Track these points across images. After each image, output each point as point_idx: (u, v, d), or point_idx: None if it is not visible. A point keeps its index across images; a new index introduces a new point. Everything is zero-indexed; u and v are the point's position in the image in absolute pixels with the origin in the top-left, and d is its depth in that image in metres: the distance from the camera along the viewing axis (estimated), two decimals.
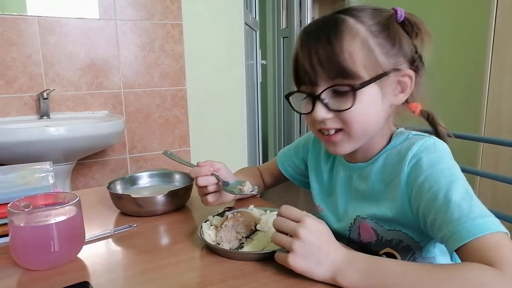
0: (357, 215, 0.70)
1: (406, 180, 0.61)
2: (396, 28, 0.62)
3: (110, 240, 0.70)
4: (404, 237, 0.65)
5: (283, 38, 3.75)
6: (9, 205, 0.58)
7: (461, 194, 0.55)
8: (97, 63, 1.81)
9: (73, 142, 1.44)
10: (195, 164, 0.78)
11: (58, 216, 0.59)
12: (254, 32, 2.84)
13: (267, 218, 0.69)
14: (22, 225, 0.57)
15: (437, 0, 2.14)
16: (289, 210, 0.57)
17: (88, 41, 1.77)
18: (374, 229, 0.68)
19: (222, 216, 0.71)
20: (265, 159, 3.62)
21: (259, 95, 3.03)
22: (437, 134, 0.68)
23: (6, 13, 1.60)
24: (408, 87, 0.64)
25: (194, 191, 0.87)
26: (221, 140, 2.21)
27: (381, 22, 0.62)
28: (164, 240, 0.72)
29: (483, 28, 1.66)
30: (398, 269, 0.51)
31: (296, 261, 0.52)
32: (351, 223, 0.71)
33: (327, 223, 0.66)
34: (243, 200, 0.88)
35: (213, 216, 0.72)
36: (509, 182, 0.87)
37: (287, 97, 0.68)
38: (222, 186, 0.75)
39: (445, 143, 0.63)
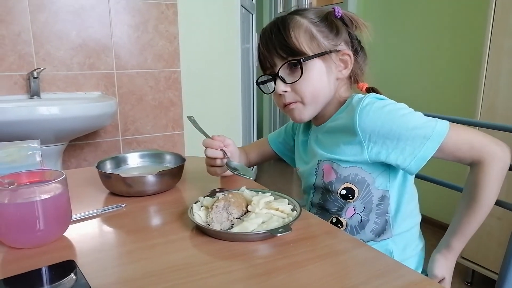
0: (319, 160, 0.82)
1: (359, 126, 0.73)
2: (335, 20, 0.80)
3: (98, 219, 0.69)
4: (359, 170, 0.78)
5: None
6: None
7: (416, 118, 0.71)
8: (89, 43, 1.77)
9: (64, 123, 1.41)
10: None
11: (43, 193, 0.57)
12: (251, 15, 2.79)
13: (258, 199, 0.68)
14: (6, 202, 0.56)
15: None
16: None
17: (79, 20, 1.73)
18: (334, 168, 0.79)
19: (213, 197, 0.70)
20: None
21: (255, 79, 3.00)
22: None
23: None
24: (348, 64, 0.80)
25: (185, 172, 0.86)
26: (215, 123, 2.19)
27: (321, 16, 0.80)
28: (154, 221, 0.71)
29: (482, 14, 1.64)
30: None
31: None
32: (315, 168, 0.83)
33: (303, 178, 0.89)
34: (235, 182, 0.87)
35: (204, 197, 0.71)
36: None
37: (257, 83, 0.84)
38: (227, 163, 0.84)
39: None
